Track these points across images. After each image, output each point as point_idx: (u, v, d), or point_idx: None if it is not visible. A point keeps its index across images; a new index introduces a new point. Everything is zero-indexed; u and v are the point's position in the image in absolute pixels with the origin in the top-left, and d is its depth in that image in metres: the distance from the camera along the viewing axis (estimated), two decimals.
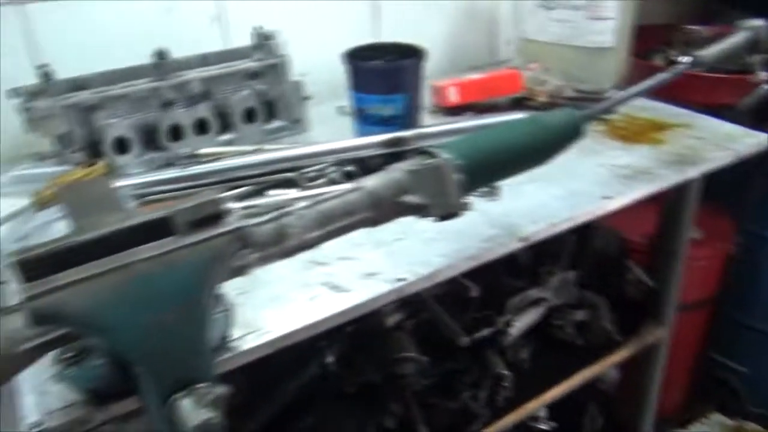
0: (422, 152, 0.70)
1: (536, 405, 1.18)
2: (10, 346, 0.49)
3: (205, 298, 0.52)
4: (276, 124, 1.16)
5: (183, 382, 0.53)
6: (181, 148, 1.06)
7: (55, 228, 0.89)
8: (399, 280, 0.76)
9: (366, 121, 1.03)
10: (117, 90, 1.01)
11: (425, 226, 0.87)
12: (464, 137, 0.75)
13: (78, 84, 1.03)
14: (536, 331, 1.23)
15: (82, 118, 1.01)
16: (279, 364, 0.96)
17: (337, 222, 0.64)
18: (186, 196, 0.55)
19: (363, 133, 1.04)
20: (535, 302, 1.15)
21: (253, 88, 1.12)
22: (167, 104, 1.05)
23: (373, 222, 0.67)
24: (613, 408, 1.51)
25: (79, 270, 0.49)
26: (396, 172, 0.68)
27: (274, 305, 0.72)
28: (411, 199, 0.67)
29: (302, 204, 0.63)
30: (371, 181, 0.67)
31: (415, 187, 0.67)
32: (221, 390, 0.52)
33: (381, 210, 0.66)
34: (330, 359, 0.99)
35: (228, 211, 0.56)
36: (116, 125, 1.01)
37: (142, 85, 1.03)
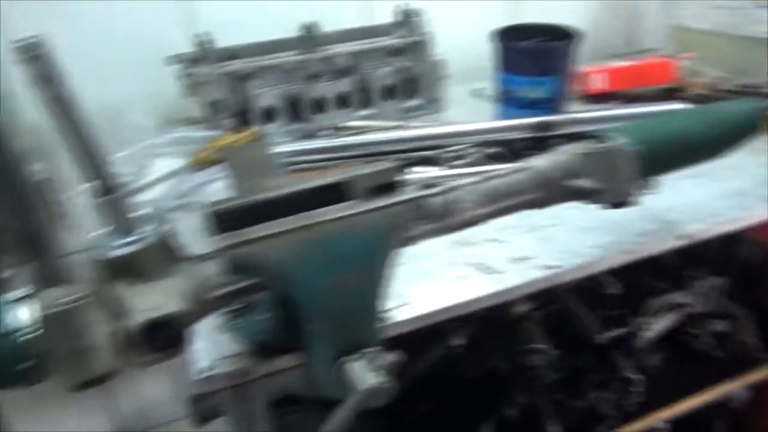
0: (593, 136, 0.67)
1: (665, 415, 1.11)
2: (203, 291, 0.52)
3: (382, 263, 0.52)
4: (414, 102, 1.16)
5: (354, 344, 0.53)
6: (323, 121, 1.08)
7: (210, 188, 0.94)
8: (551, 267, 0.73)
9: (511, 103, 1.00)
10: (268, 60, 1.05)
11: (577, 214, 0.84)
12: (637, 123, 0.71)
13: (231, 53, 1.07)
14: (670, 337, 1.15)
15: (235, 86, 1.05)
16: (407, 342, 0.96)
17: (503, 201, 0.62)
18: (331, 167, 0.56)
19: (507, 116, 1.01)
20: (675, 307, 1.08)
21: (395, 65, 1.11)
22: (313, 77, 1.07)
23: (539, 204, 0.64)
24: (741, 430, 1.40)
25: (270, 225, 0.50)
26: (566, 154, 0.65)
27: (424, 280, 0.72)
28: (581, 183, 0.64)
29: (470, 180, 0.62)
30: (540, 162, 0.64)
31: (587, 171, 0.64)
32: (392, 356, 0.52)
33: (548, 192, 0.64)
34: (457, 342, 0.98)
35: (402, 181, 0.55)
36: (265, 95, 1.05)
37: (292, 56, 1.06)
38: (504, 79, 0.99)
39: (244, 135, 1.01)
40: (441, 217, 0.58)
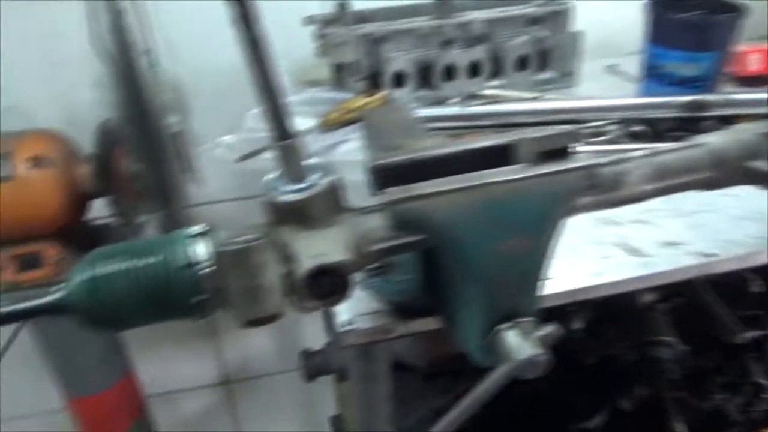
0: None
1: None
2: (366, 243, 0.52)
3: (550, 231, 0.50)
4: (547, 74, 1.11)
5: (510, 313, 0.52)
6: (453, 89, 1.06)
7: (341, 149, 0.95)
8: (707, 255, 0.68)
9: (659, 79, 0.93)
10: (404, 24, 1.03)
11: (730, 202, 0.78)
12: None
13: (365, 16, 1.06)
14: None
15: (367, 49, 1.04)
16: None
17: (674, 178, 0.58)
18: (465, 135, 0.53)
19: (652, 93, 0.95)
20: None
21: (532, 35, 1.07)
22: (447, 43, 1.05)
23: (711, 184, 0.60)
24: None
25: (438, 183, 0.49)
26: (746, 132, 0.59)
27: (568, 257, 0.69)
28: (761, 165, 0.58)
29: (640, 153, 0.58)
30: (716, 139, 0.59)
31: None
32: (552, 328, 0.51)
33: (722, 172, 0.59)
34: (577, 325, 0.95)
35: (574, 148, 0.53)
36: (397, 59, 1.04)
37: (426, 21, 1.04)
38: (654, 53, 0.93)
39: (376, 98, 1.01)
40: (609, 189, 0.55)
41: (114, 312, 0.48)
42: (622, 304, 0.97)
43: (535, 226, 0.49)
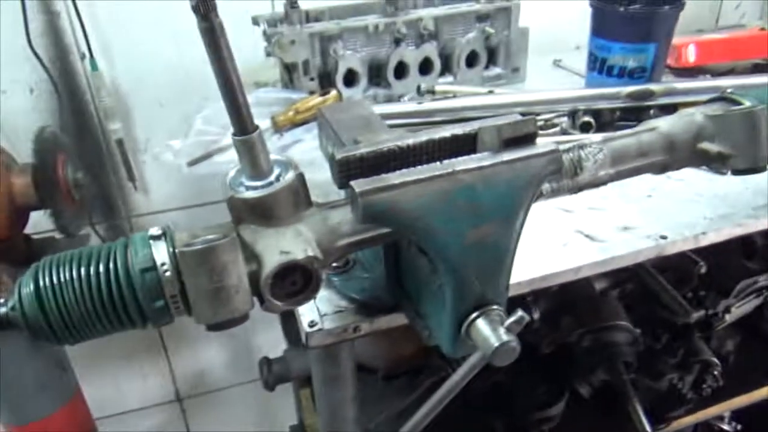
0: (722, 98, 0.64)
1: (741, 402, 1.08)
2: (332, 239, 0.50)
3: (519, 217, 0.50)
4: (495, 70, 1.13)
5: (481, 301, 0.52)
6: (404, 86, 1.06)
7: (295, 149, 0.93)
8: (661, 237, 0.70)
9: (605, 71, 0.96)
10: (354, 22, 1.03)
11: (676, 186, 0.81)
12: (764, 89, 0.67)
13: (315, 15, 1.05)
14: (744, 322, 1.12)
15: (320, 48, 1.03)
16: None
17: (629, 162, 0.60)
18: (424, 130, 0.53)
19: (597, 85, 0.97)
20: (760, 291, 1.04)
21: (480, 31, 1.08)
22: (397, 41, 1.05)
23: (664, 167, 0.61)
24: None
25: (405, 173, 0.49)
26: (695, 115, 0.62)
27: (527, 245, 0.70)
28: (711, 146, 0.61)
29: (596, 139, 0.59)
30: (666, 123, 0.61)
31: (718, 135, 0.61)
32: (519, 315, 0.51)
33: (675, 155, 0.61)
34: (534, 315, 0.96)
35: (536, 134, 0.53)
36: (349, 57, 1.03)
37: (377, 19, 1.03)
38: (599, 45, 0.95)
39: (327, 98, 1.00)
40: (570, 175, 0.56)
41: (64, 323, 0.45)
42: (575, 292, 0.99)
43: (503, 213, 0.49)
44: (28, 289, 0.45)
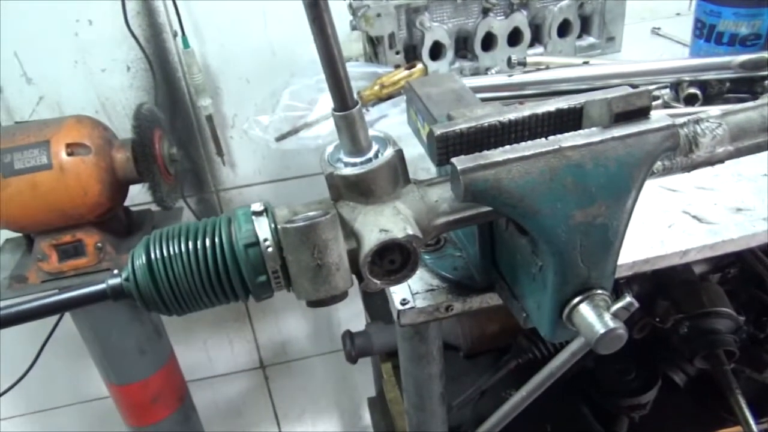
0: None
1: None
2: (431, 217, 0.49)
3: (631, 198, 0.47)
4: (589, 40, 1.07)
5: (586, 285, 0.49)
6: (492, 58, 1.02)
7: (380, 125, 0.92)
8: None
9: (713, 39, 0.89)
10: None
11: None
12: None
13: None
14: None
15: (406, 20, 1.01)
16: None
17: (751, 138, 0.55)
18: (515, 104, 0.50)
19: (704, 54, 0.90)
20: None
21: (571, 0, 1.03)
22: (486, 10, 1.01)
23: None
24: None
25: (508, 150, 0.46)
26: None
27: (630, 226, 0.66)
28: None
29: (713, 113, 0.55)
30: None
31: None
32: (628, 301, 0.48)
33: None
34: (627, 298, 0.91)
35: (650, 108, 0.49)
36: (435, 29, 1.00)
37: None
38: (708, 11, 0.88)
39: (413, 71, 0.98)
40: (685, 152, 0.52)
41: (173, 294, 0.47)
42: (673, 275, 0.94)
43: (614, 193, 0.46)
44: (140, 260, 0.47)
